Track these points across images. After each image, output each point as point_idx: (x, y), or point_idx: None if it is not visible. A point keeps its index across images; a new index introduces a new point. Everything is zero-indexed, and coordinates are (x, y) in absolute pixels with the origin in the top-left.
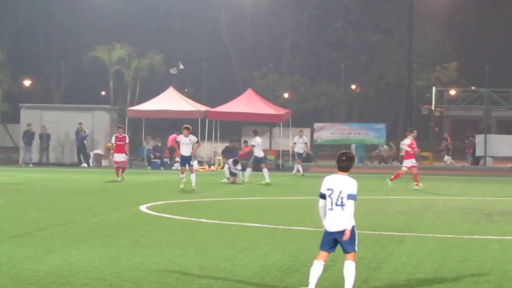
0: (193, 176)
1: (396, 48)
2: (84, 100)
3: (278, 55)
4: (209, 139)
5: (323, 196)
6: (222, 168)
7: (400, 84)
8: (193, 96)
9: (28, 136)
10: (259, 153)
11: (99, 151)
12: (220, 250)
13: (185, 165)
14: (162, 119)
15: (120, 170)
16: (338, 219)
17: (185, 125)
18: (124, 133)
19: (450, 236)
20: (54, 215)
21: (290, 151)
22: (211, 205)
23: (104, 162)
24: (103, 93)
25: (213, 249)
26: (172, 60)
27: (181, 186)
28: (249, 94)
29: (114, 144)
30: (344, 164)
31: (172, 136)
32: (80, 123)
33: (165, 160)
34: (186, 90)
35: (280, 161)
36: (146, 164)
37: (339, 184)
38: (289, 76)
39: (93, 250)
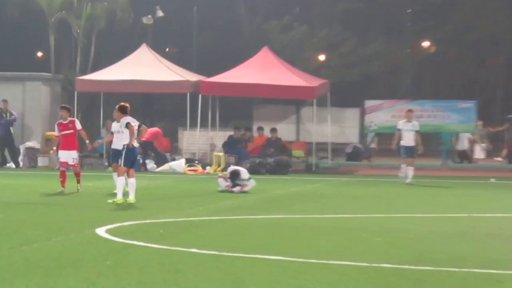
0: (131, 183)
1: None
2: (10, 66)
3: None
4: (203, 125)
5: None
6: (223, 169)
7: (498, 40)
8: (178, 59)
9: None
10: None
11: (33, 143)
12: None
13: (116, 161)
14: (130, 94)
15: (76, 178)
16: None
17: (120, 104)
18: (72, 116)
19: None
20: None
21: (394, 143)
22: (205, 226)
23: (41, 161)
24: (39, 54)
25: None
26: (146, 3)
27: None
28: (264, 56)
29: (59, 136)
30: None
31: (153, 130)
32: (4, 101)
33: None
34: (167, 49)
35: (312, 160)
36: (106, 163)
37: None
38: (325, 28)
39: None
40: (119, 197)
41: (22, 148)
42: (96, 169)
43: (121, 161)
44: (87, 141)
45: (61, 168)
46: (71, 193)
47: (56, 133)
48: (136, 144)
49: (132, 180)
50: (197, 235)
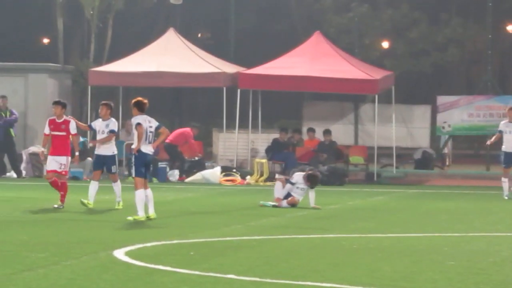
0: (116, 187)
1: None
2: (10, 55)
3: None
4: (243, 126)
5: None
6: (266, 180)
7: None
8: (212, 47)
9: None
10: None
11: (38, 148)
12: None
13: (101, 168)
14: (154, 89)
15: (59, 191)
16: None
17: (104, 102)
18: (84, 115)
19: None
20: None
21: (490, 142)
22: (244, 248)
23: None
24: (45, 40)
25: None
26: None
27: (88, 204)
28: (315, 42)
29: (49, 136)
30: None
31: (179, 131)
32: (3, 97)
33: (160, 165)
34: (199, 35)
35: (374, 168)
36: (126, 172)
37: None
38: (389, 8)
39: None
40: (141, 214)
41: (24, 154)
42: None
43: (133, 171)
44: (77, 153)
45: (49, 179)
46: (80, 209)
47: (46, 131)
48: (149, 149)
49: (148, 192)
50: (235, 258)
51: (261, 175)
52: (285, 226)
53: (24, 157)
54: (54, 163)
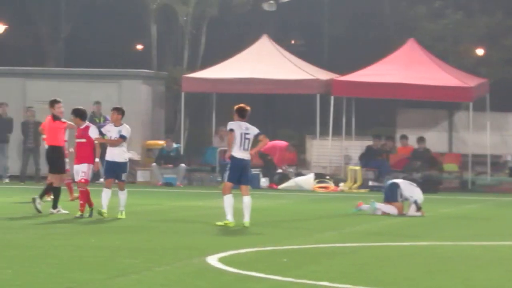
0: (122, 196)
1: None
2: (104, 61)
3: None
4: (336, 133)
5: None
6: (360, 186)
7: None
8: (305, 53)
9: (0, 126)
10: None
11: (131, 154)
12: None
13: (112, 176)
14: (247, 95)
15: (79, 200)
16: None
17: (115, 107)
18: (177, 121)
19: None
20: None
21: None
22: (338, 255)
23: (141, 175)
24: (139, 47)
25: None
26: None
27: (103, 213)
28: (409, 49)
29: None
30: None
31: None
32: (97, 103)
33: (253, 171)
34: (292, 42)
35: (468, 175)
36: (219, 178)
37: None
38: (484, 15)
39: None
40: (230, 219)
41: None
42: (207, 185)
43: (226, 175)
44: (97, 159)
45: (79, 187)
46: (173, 215)
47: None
48: (244, 155)
49: (246, 199)
50: (328, 265)
51: (355, 182)
52: (378, 233)
53: None
54: (77, 170)
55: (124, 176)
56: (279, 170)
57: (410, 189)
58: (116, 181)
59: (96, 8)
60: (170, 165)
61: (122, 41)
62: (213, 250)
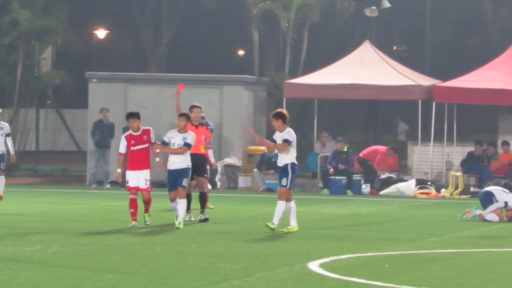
0: (181, 205)
1: None
2: (206, 67)
3: None
4: (437, 139)
5: None
6: (461, 192)
7: None
8: (407, 59)
9: (102, 131)
10: None
11: (233, 160)
12: None
13: (173, 187)
14: (349, 101)
15: (144, 206)
16: None
17: (182, 112)
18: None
19: None
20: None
21: None
22: (439, 261)
23: (242, 181)
24: (240, 52)
25: None
26: None
27: (178, 225)
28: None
29: (125, 154)
30: None
31: (373, 148)
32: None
33: (355, 177)
34: (394, 47)
35: None
36: (321, 184)
37: None
38: None
39: None
40: (275, 223)
41: (220, 166)
42: (308, 191)
43: (287, 182)
44: (157, 159)
45: (131, 196)
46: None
47: (121, 150)
48: (288, 160)
49: (291, 204)
50: (429, 271)
51: (456, 188)
52: (480, 239)
53: (219, 168)
54: (138, 177)
55: (185, 182)
56: (381, 176)
57: (504, 196)
58: (177, 188)
59: (198, 13)
60: (272, 171)
61: (224, 47)
62: (314, 256)
